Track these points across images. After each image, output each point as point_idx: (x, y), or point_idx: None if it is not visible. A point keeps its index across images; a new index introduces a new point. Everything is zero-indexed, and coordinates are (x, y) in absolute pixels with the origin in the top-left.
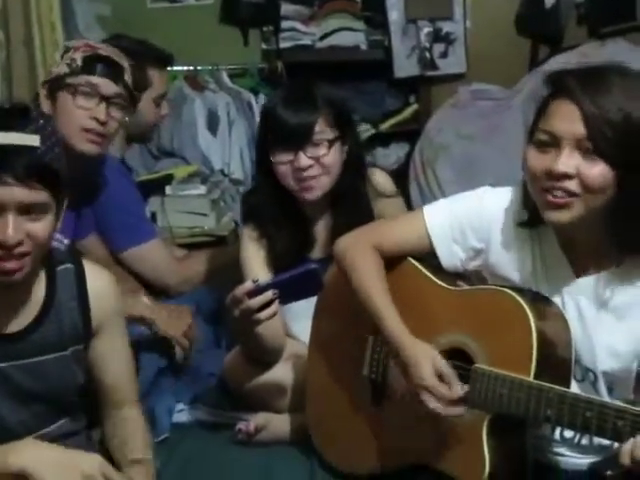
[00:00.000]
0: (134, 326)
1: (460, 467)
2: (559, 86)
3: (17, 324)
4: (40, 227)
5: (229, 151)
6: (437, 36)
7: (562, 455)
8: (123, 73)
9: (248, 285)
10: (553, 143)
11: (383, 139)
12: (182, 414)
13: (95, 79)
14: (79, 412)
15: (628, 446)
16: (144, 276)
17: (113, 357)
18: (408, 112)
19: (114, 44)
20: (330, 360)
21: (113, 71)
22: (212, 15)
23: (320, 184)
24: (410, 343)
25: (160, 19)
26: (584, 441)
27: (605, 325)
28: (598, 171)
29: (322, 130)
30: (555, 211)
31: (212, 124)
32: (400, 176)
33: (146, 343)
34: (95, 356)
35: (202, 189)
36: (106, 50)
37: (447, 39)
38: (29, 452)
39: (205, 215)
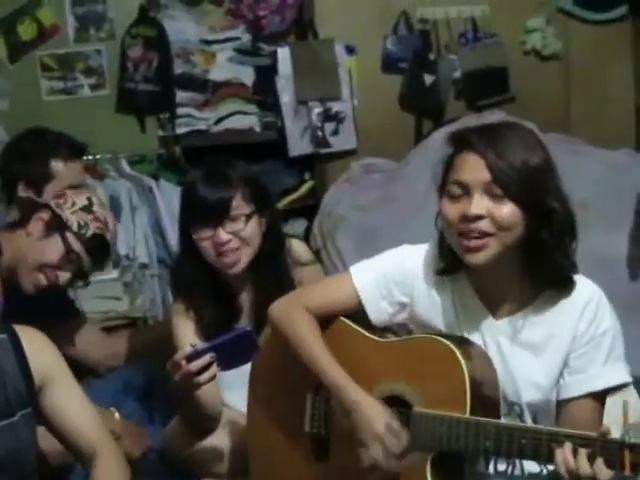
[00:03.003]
0: None
1: None
2: (462, 142)
3: None
4: None
5: (134, 236)
6: (327, 115)
7: None
8: (106, 261)
9: (187, 350)
10: (464, 192)
11: (282, 217)
12: None
13: (85, 256)
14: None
15: (560, 457)
16: (74, 354)
17: (67, 407)
18: (304, 189)
19: (24, 137)
20: (271, 423)
21: (102, 257)
22: (108, 105)
23: (241, 257)
24: (358, 395)
25: (57, 111)
26: (516, 472)
27: (524, 361)
28: (507, 210)
29: (239, 205)
30: (473, 254)
31: (115, 211)
32: None
33: None
34: (49, 411)
35: (114, 273)
36: (111, 233)
37: (337, 118)
38: None
39: (119, 299)
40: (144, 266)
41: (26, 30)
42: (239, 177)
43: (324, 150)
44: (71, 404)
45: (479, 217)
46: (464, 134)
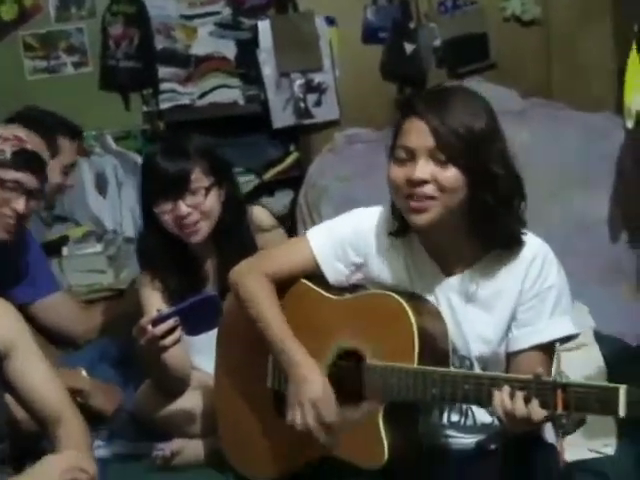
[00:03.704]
0: None
1: (362, 455)
2: (409, 108)
3: None
4: None
5: (120, 211)
6: (309, 87)
7: (451, 437)
8: (45, 168)
9: (152, 314)
10: (410, 157)
11: (268, 188)
12: (100, 450)
13: (21, 176)
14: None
15: (497, 400)
16: (53, 327)
17: (32, 374)
18: (289, 160)
19: (26, 115)
20: (236, 382)
21: (37, 167)
22: (92, 82)
23: (201, 228)
24: (304, 360)
25: (41, 90)
26: (469, 422)
27: (474, 317)
28: (450, 174)
29: (198, 178)
30: (417, 215)
31: (101, 186)
32: (288, 221)
33: None
34: (14, 377)
35: (98, 247)
36: (32, 143)
37: (319, 89)
38: None
39: (103, 272)
40: (131, 240)
41: (7, 11)
42: (196, 150)
43: (307, 121)
44: (35, 372)
45: (423, 181)
46: (411, 100)
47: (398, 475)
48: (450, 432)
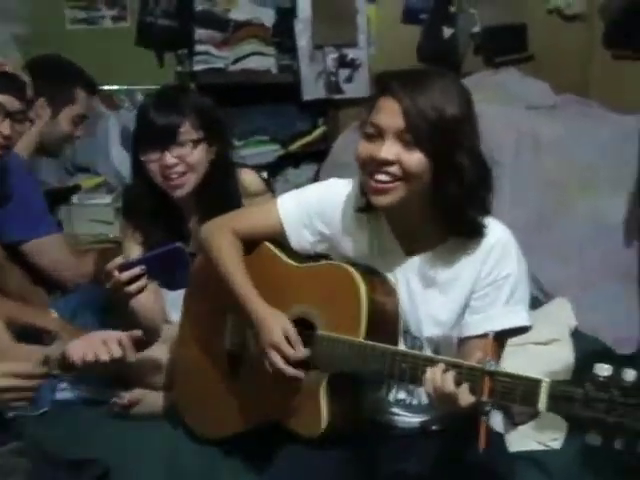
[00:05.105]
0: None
1: (301, 423)
2: (384, 85)
3: None
4: None
5: None
6: (342, 62)
7: (396, 415)
8: (26, 89)
9: (118, 260)
10: (379, 135)
11: (294, 159)
12: (65, 392)
13: (1, 98)
14: None
15: (429, 374)
16: (43, 268)
17: None
18: (316, 133)
19: (45, 60)
20: (196, 340)
21: (17, 88)
22: (128, 38)
23: (186, 182)
24: (262, 308)
25: (78, 40)
26: (414, 402)
27: (430, 298)
28: (415, 158)
29: (187, 131)
30: (378, 195)
31: (126, 141)
32: None
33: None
34: None
35: (107, 198)
36: (9, 65)
37: (352, 65)
38: None
39: (110, 223)
40: None
41: None
42: (190, 105)
43: (337, 96)
44: None
45: (388, 162)
46: (387, 78)
47: (339, 447)
48: (396, 410)
